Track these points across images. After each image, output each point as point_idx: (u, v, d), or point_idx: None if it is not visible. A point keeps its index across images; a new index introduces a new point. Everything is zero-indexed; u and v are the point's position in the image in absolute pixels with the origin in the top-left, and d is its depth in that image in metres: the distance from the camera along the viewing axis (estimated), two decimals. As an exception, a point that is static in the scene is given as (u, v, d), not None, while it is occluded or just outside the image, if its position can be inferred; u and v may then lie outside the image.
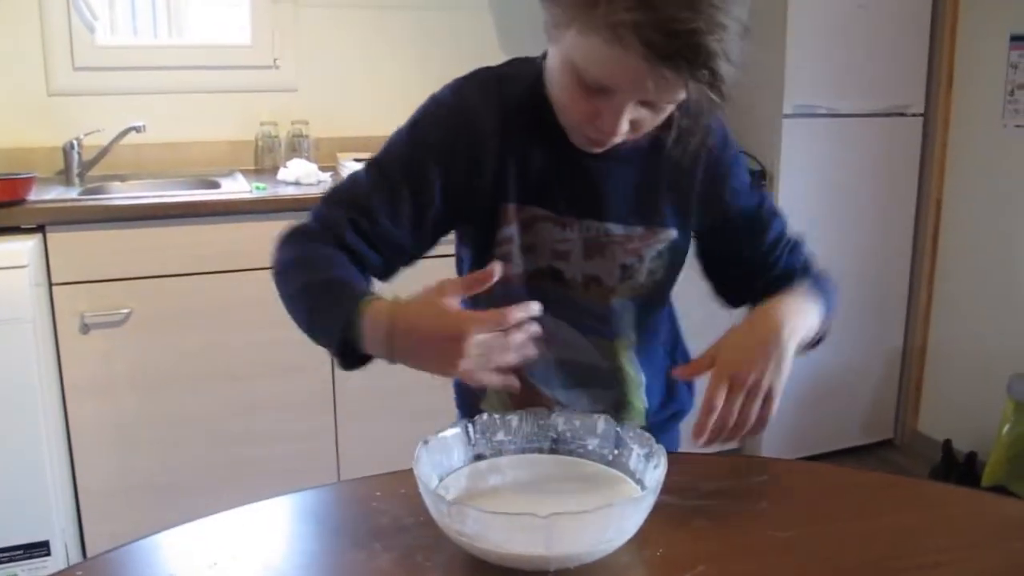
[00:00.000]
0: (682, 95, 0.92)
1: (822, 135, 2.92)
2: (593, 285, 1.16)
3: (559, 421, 1.07)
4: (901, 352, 3.26)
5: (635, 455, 1.01)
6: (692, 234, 1.22)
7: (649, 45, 0.85)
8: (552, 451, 1.07)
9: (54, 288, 2.24)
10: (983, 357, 3.01)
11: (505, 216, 1.12)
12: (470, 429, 1.04)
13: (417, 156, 1.09)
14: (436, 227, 1.13)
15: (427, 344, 0.93)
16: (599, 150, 1.05)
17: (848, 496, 1.13)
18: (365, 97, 3.07)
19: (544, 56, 1.06)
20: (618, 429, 1.03)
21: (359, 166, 2.66)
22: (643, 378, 1.25)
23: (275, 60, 2.95)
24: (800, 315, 1.10)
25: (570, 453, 1.06)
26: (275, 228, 2.50)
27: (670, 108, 0.99)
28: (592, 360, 1.21)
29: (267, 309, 2.56)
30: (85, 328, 2.27)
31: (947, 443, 3.02)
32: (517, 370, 1.05)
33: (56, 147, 2.68)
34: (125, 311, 2.30)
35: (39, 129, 2.73)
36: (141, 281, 2.31)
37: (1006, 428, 2.71)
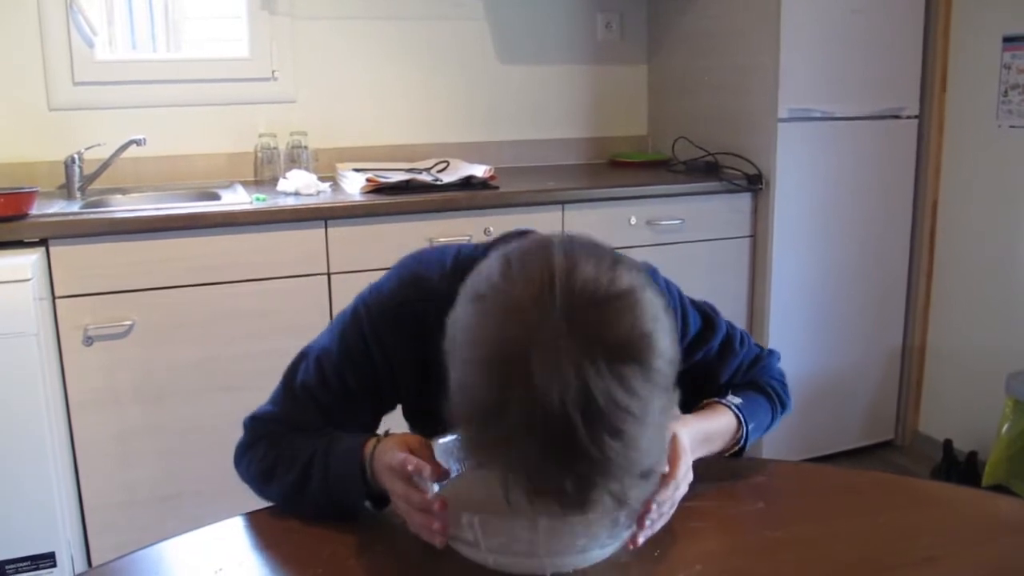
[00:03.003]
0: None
1: (817, 138, 2.94)
2: None
3: None
4: (900, 353, 3.28)
5: None
6: None
7: (549, 504, 0.78)
8: None
9: (57, 301, 2.25)
10: (982, 356, 3.02)
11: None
12: None
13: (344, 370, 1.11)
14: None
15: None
16: None
17: (844, 495, 1.14)
18: (363, 107, 3.09)
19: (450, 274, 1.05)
20: None
21: (359, 176, 2.62)
22: None
23: (273, 72, 2.97)
24: (705, 445, 1.09)
25: None
26: (275, 239, 2.54)
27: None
28: None
29: (268, 319, 2.58)
30: (88, 340, 2.29)
31: (948, 443, 3.03)
32: None
33: (57, 161, 2.70)
34: (128, 323, 2.32)
35: (40, 144, 2.75)
36: (143, 293, 2.32)
37: (1005, 427, 2.72)
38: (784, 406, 1.20)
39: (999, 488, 2.72)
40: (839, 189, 3.01)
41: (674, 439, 0.97)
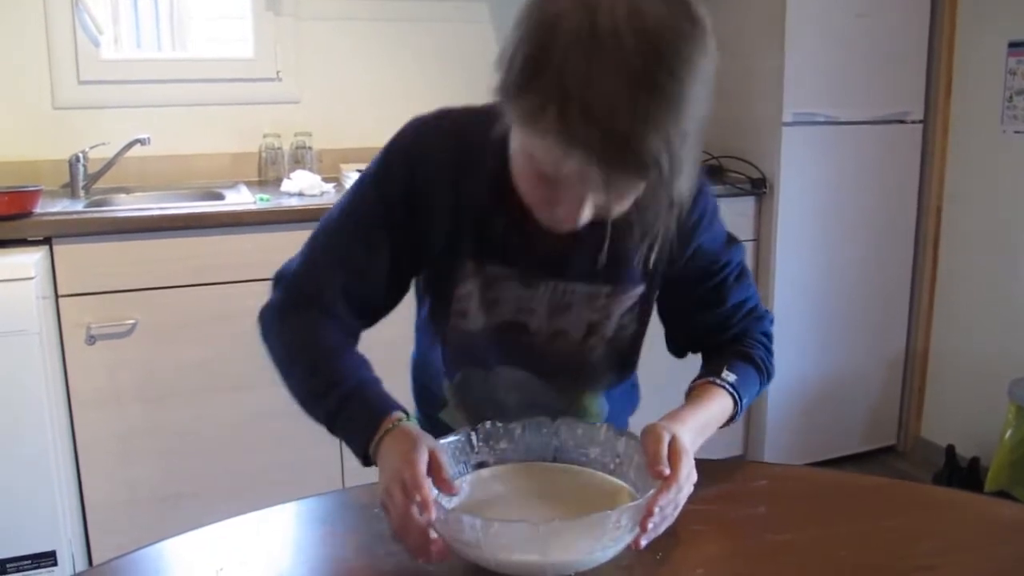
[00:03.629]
0: (639, 189, 0.89)
1: (821, 142, 2.93)
2: (559, 338, 1.16)
3: (562, 429, 1.08)
4: (904, 358, 3.27)
5: (635, 464, 1.01)
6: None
7: (593, 151, 0.82)
8: (555, 460, 1.08)
9: (60, 300, 2.25)
10: (985, 362, 3.02)
11: (463, 273, 1.12)
12: (473, 437, 1.05)
13: (377, 210, 1.10)
14: (403, 274, 1.15)
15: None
16: (561, 232, 0.99)
17: (846, 500, 1.14)
18: (367, 108, 3.09)
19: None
20: (619, 439, 1.04)
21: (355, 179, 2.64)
22: (605, 412, 1.27)
23: (278, 72, 2.98)
24: (704, 434, 1.09)
25: (572, 462, 1.07)
26: (279, 239, 2.55)
27: (632, 196, 0.92)
28: (555, 405, 1.18)
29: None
30: (91, 339, 2.29)
31: (950, 448, 3.02)
32: (482, 412, 1.14)
33: (62, 160, 2.71)
34: (131, 322, 2.32)
35: (45, 142, 2.75)
36: (146, 292, 2.33)
37: (1008, 433, 2.71)
38: (770, 376, 1.20)
39: (1002, 494, 2.71)
40: (843, 193, 3.01)
41: (674, 440, 0.97)
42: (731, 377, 1.13)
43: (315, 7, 3.00)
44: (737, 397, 1.13)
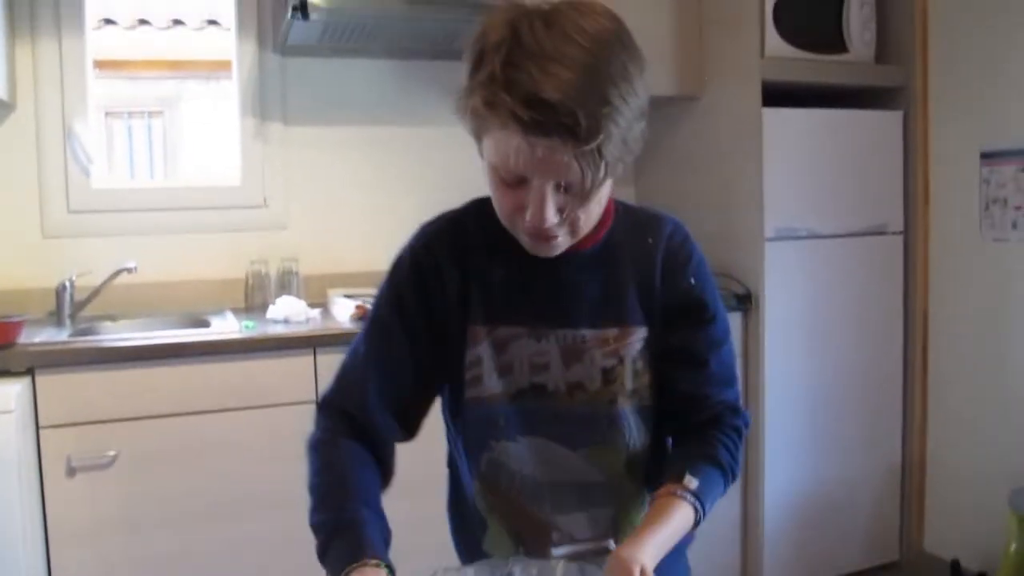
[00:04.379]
0: (577, 173, 0.99)
1: (805, 256, 2.95)
2: (578, 392, 1.17)
3: (516, 570, 1.04)
4: (900, 468, 3.22)
5: None
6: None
7: (520, 121, 0.95)
8: None
9: (41, 431, 2.22)
10: (984, 470, 2.97)
11: (473, 337, 1.17)
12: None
13: (394, 310, 1.20)
14: (432, 369, 1.20)
15: None
16: (549, 251, 1.11)
17: None
18: (354, 234, 3.12)
19: None
20: (579, 572, 1.01)
21: (349, 303, 2.73)
22: (645, 491, 1.24)
23: (265, 199, 3.02)
24: (662, 551, 1.08)
25: None
26: (263, 366, 2.52)
27: (593, 194, 1.04)
28: (584, 477, 1.19)
29: (255, 447, 2.54)
30: (71, 471, 2.25)
31: (955, 563, 2.95)
32: (514, 499, 1.14)
33: (49, 288, 2.71)
34: (112, 453, 2.28)
35: (33, 270, 2.77)
36: (129, 423, 2.29)
37: (1012, 546, 2.65)
38: (734, 477, 1.19)
39: (1010, 610, 2.63)
40: (829, 305, 3.02)
41: (643, 571, 0.98)
42: (693, 484, 1.11)
43: (302, 135, 3.07)
44: (699, 507, 1.11)
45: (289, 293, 2.86)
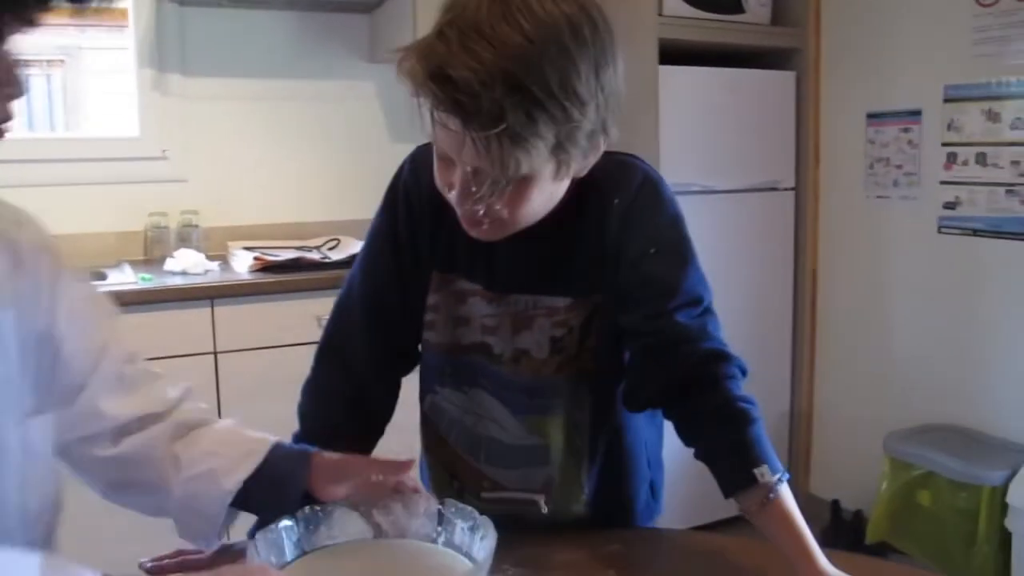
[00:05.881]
0: (483, 160, 0.93)
1: (699, 211, 3.04)
2: (524, 359, 1.16)
3: (336, 514, 1.04)
4: (788, 418, 3.38)
5: (459, 530, 1.01)
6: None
7: (426, 94, 0.92)
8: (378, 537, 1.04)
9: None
10: (864, 418, 3.14)
11: (436, 282, 1.18)
12: (295, 524, 1.01)
13: (378, 244, 1.22)
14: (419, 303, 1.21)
15: None
16: (478, 235, 1.04)
17: (702, 561, 1.14)
18: (255, 186, 3.11)
19: None
20: (440, 507, 1.03)
21: (248, 255, 2.70)
22: (586, 461, 1.21)
23: (163, 151, 2.99)
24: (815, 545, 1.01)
25: (398, 537, 1.04)
26: (160, 319, 2.50)
27: (521, 192, 0.98)
28: (522, 440, 1.19)
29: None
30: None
31: (835, 503, 3.11)
32: (452, 444, 1.20)
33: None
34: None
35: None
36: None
37: (883, 485, 2.81)
38: (758, 416, 1.12)
39: (882, 545, 2.80)
40: (722, 260, 3.09)
41: None
42: (767, 474, 1.04)
43: (201, 87, 3.03)
44: (782, 476, 1.05)
45: (189, 247, 2.84)
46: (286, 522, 0.99)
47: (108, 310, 1.14)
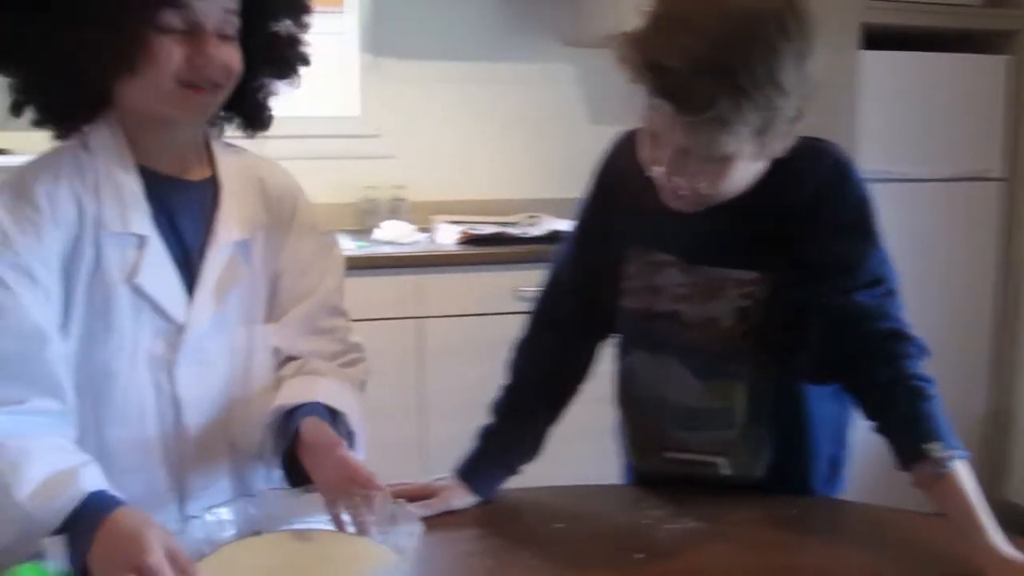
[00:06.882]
0: (695, 142, 1.04)
1: (897, 200, 2.95)
2: (712, 326, 1.24)
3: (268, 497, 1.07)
4: (984, 418, 3.22)
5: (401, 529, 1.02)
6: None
7: (643, 82, 1.04)
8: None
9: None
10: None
11: (632, 254, 1.29)
12: (248, 505, 1.04)
13: (586, 220, 1.37)
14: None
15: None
16: (678, 207, 1.15)
17: (883, 533, 1.16)
18: (457, 164, 3.29)
19: None
20: (394, 504, 1.04)
21: (453, 228, 2.85)
22: (766, 428, 1.26)
23: (377, 129, 3.21)
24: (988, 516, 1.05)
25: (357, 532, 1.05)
26: (370, 284, 2.65)
27: (724, 169, 1.08)
28: (706, 404, 1.27)
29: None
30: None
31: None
32: (640, 405, 1.30)
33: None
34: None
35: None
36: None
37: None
38: (934, 392, 1.14)
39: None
40: (921, 252, 3.01)
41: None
42: (938, 449, 1.08)
43: (411, 69, 3.22)
44: (957, 454, 1.08)
45: (397, 218, 3.04)
46: (239, 504, 1.04)
47: (330, 266, 1.28)
